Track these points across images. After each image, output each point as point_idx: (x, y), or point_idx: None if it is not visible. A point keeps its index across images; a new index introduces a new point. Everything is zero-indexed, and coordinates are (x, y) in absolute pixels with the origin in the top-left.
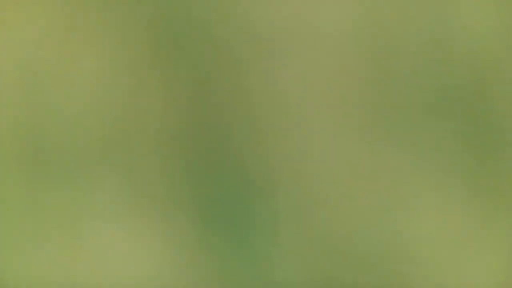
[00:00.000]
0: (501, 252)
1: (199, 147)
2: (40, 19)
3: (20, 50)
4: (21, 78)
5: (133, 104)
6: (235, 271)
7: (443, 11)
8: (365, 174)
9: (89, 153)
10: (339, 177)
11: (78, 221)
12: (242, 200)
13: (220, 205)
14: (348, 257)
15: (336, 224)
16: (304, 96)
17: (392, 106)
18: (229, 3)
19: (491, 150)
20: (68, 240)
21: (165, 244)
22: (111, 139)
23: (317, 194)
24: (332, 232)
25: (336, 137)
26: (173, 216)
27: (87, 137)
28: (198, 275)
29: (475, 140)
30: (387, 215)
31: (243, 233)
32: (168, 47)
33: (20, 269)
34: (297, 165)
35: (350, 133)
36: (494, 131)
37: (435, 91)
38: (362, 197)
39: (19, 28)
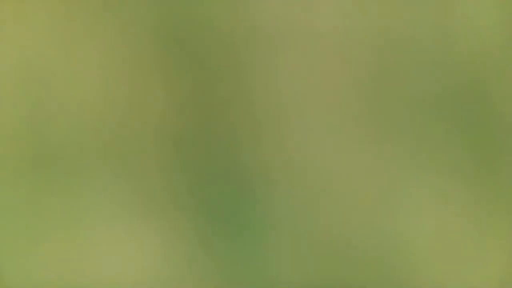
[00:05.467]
0: (501, 252)
1: (199, 147)
2: (41, 18)
3: (21, 50)
4: (22, 78)
5: (134, 104)
6: (234, 271)
7: (444, 11)
8: (365, 174)
9: (89, 154)
10: (338, 176)
11: (78, 221)
12: (242, 200)
13: (220, 205)
14: (347, 257)
15: (335, 224)
16: (305, 95)
17: (392, 106)
18: (230, 3)
19: (492, 150)
20: (68, 240)
21: (165, 244)
22: (111, 139)
23: (316, 194)
24: (332, 232)
25: (336, 137)
26: (173, 216)
27: (88, 138)
28: (197, 275)
29: (475, 140)
30: (386, 215)
31: (242, 233)
32: (169, 47)
33: (20, 269)
34: (297, 165)
35: (350, 133)
36: (495, 131)
37: (435, 91)
38: (361, 196)
39: (20, 28)
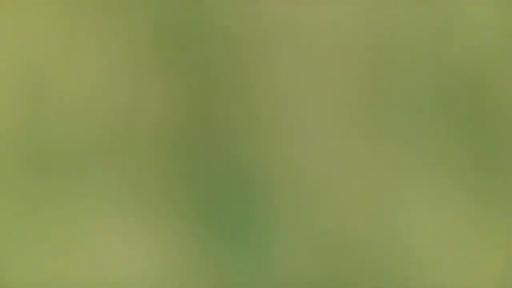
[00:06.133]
0: (501, 252)
1: (198, 148)
2: (42, 18)
3: (21, 50)
4: (22, 78)
5: (133, 105)
6: (233, 272)
7: (443, 11)
8: (365, 174)
9: (88, 154)
10: (338, 177)
11: (77, 222)
12: (240, 201)
13: (218, 206)
14: (347, 257)
15: (335, 224)
16: (304, 95)
17: (392, 106)
18: (230, 4)
19: (492, 149)
20: (67, 241)
21: (164, 245)
22: (111, 140)
23: (316, 195)
24: (332, 233)
25: (336, 137)
26: (172, 217)
27: (87, 138)
28: (196, 276)
29: (475, 140)
30: (387, 214)
31: (241, 234)
32: (169, 47)
33: (20, 269)
34: (297, 165)
35: (350, 133)
36: (495, 131)
37: (435, 91)
38: (361, 196)
39: (20, 28)
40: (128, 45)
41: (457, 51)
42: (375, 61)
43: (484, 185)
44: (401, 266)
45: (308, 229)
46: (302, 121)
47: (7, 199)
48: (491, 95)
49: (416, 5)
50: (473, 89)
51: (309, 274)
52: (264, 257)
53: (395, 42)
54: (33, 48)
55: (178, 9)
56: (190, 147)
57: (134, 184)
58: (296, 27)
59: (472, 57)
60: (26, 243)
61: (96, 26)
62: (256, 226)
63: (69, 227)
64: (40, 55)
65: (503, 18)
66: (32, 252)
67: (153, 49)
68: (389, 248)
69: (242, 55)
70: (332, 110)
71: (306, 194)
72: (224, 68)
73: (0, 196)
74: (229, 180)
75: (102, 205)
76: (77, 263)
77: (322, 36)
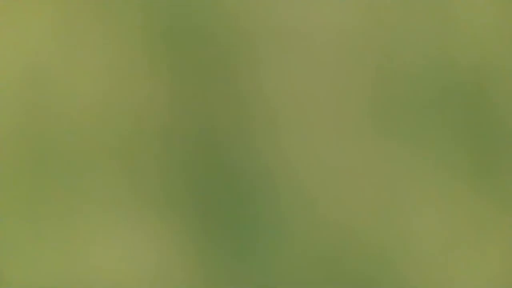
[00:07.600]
0: (501, 252)
1: (198, 147)
2: (43, 16)
3: (22, 49)
4: (23, 77)
5: (135, 105)
6: (232, 273)
7: (443, 11)
8: (365, 174)
9: (89, 154)
10: (339, 177)
11: (77, 223)
12: (241, 201)
13: (219, 206)
14: (347, 257)
15: (335, 225)
16: (307, 96)
17: (392, 105)
18: (231, 4)
19: (492, 149)
20: (67, 241)
21: (165, 245)
22: (111, 141)
23: (317, 195)
24: (331, 233)
25: (337, 137)
26: (173, 217)
27: (88, 138)
28: (196, 276)
29: (475, 140)
30: (388, 214)
31: (241, 235)
32: (170, 47)
33: (20, 269)
34: (297, 166)
35: (350, 133)
36: (495, 131)
37: (436, 90)
38: (362, 196)
39: (22, 27)
40: (130, 46)
41: (459, 51)
42: (376, 61)
43: (486, 185)
44: (402, 265)
45: (309, 230)
46: (304, 122)
47: (7, 199)
48: (493, 96)
49: (416, 6)
50: (474, 89)
51: (310, 276)
52: (264, 259)
53: (396, 42)
54: (34, 48)
55: (180, 10)
56: (193, 148)
57: (136, 185)
58: (297, 27)
59: (473, 56)
60: (26, 243)
61: (98, 25)
62: (256, 228)
63: (69, 228)
64: (40, 55)
65: (503, 19)
66: (32, 252)
67: (156, 50)
68: (389, 248)
69: (245, 56)
70: (335, 110)
71: (307, 196)
72: (226, 69)
73: (0, 196)
74: (230, 182)
75: (103, 205)
76: (77, 263)
77: (323, 35)
